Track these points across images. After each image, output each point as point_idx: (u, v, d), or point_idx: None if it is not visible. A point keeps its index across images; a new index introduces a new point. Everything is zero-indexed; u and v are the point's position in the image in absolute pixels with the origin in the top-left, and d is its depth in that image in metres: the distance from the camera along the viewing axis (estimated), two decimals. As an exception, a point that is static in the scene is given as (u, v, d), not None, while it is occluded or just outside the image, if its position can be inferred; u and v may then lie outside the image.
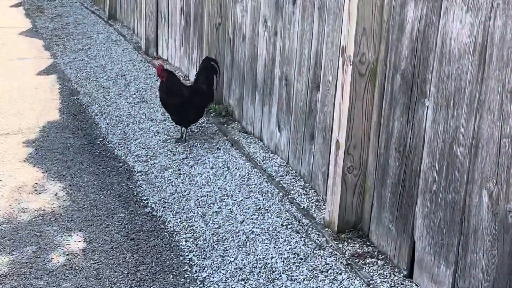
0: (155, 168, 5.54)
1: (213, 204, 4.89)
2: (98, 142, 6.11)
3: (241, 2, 6.31)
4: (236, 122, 6.56)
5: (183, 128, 6.15)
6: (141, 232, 4.50)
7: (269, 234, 4.45)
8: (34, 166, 5.53)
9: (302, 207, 4.82)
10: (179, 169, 5.52)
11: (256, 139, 6.09)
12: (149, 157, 5.76)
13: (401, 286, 3.84)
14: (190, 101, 6.02)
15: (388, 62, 4.06)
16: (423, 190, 3.75)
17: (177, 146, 6.02)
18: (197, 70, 6.40)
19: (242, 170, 5.48)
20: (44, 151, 5.82)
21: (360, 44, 4.11)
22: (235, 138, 6.15)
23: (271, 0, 5.65)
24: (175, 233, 4.48)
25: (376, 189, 4.25)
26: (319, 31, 4.89)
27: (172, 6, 8.52)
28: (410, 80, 3.84)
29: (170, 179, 5.33)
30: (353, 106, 4.20)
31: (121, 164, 5.62)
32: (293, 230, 4.51)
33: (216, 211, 4.78)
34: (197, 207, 4.84)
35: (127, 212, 4.78)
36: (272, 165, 5.52)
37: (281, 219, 4.66)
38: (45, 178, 5.30)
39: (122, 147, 5.98)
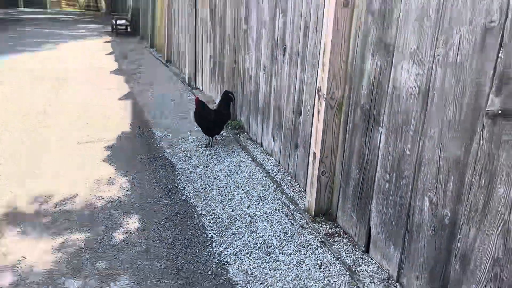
0: (190, 166, 4.85)
1: (229, 193, 4.21)
2: (154, 147, 5.43)
3: (248, 54, 5.61)
4: (245, 133, 5.86)
5: (210, 138, 5.48)
6: (178, 215, 3.81)
7: (267, 217, 3.78)
8: (109, 164, 4.85)
9: (289, 196, 4.12)
10: (207, 166, 4.84)
11: (258, 145, 5.38)
12: (187, 158, 5.08)
13: (361, 259, 3.17)
14: (214, 120, 5.35)
15: (352, 98, 3.36)
16: (377, 192, 3.07)
17: (206, 150, 5.33)
18: (220, 98, 5.69)
19: (249, 167, 4.79)
20: (117, 153, 5.14)
21: (331, 86, 3.41)
22: (244, 144, 5.46)
23: (268, 52, 4.96)
24: (202, 215, 3.80)
25: (341, 187, 3.57)
26: (301, 75, 4.19)
27: (204, 54, 7.81)
28: (368, 112, 3.14)
29: (200, 174, 4.65)
30: (326, 129, 3.51)
31: (168, 163, 4.94)
32: (283, 213, 3.83)
33: (230, 198, 4.10)
34: (218, 196, 4.15)
35: (169, 200, 4.09)
36: (269, 164, 4.83)
37: (275, 205, 3.98)
38: (116, 174, 4.62)
39: (169, 150, 5.29)
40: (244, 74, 5.80)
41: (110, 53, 12.73)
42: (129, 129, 6.07)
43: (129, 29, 17.51)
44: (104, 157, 5.02)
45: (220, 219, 3.74)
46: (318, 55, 3.74)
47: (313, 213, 3.71)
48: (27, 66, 10.24)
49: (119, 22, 17.20)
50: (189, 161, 4.98)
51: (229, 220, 3.72)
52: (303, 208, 3.87)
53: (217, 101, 6.69)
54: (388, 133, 2.93)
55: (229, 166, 4.85)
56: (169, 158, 5.06)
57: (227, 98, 5.59)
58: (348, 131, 3.43)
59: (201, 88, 8.26)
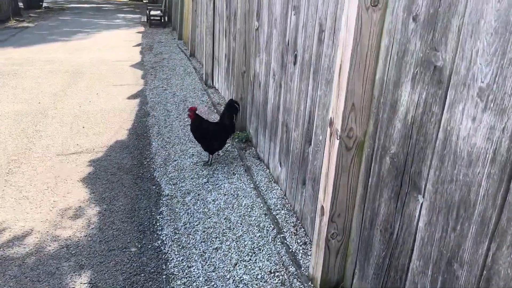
0: (180, 192, 3.74)
1: (216, 238, 3.07)
2: (145, 163, 4.34)
3: (258, 57, 4.41)
4: (253, 148, 4.68)
5: (209, 155, 4.35)
6: (142, 274, 2.71)
7: (256, 284, 2.65)
8: (86, 186, 3.81)
9: (291, 250, 2.93)
10: (199, 194, 3.72)
11: (264, 167, 4.20)
12: (178, 180, 3.97)
13: None
14: (214, 135, 4.19)
15: (377, 141, 2.12)
16: (410, 293, 1.87)
17: (203, 169, 4.21)
18: (223, 108, 4.54)
19: (248, 199, 3.64)
20: (100, 171, 4.07)
21: (348, 119, 2.19)
22: (249, 164, 4.29)
23: (278, 57, 3.74)
24: (173, 277, 2.68)
25: (359, 258, 2.36)
26: (313, 93, 2.97)
27: (221, 52, 6.64)
28: (401, 167, 1.90)
29: (188, 205, 3.53)
30: (339, 178, 2.30)
31: (154, 187, 3.86)
32: (279, 280, 2.66)
33: (216, 248, 2.96)
34: (201, 242, 3.01)
35: (138, 247, 2.99)
36: (272, 196, 3.65)
37: (270, 263, 2.81)
38: (89, 201, 3.58)
39: (161, 168, 4.20)
40: (254, 80, 4.61)
41: (138, 45, 11.72)
42: (125, 136, 5.02)
43: (163, 20, 16.48)
44: (83, 176, 3.99)
45: (195, 283, 2.64)
46: (333, 73, 2.52)
47: (318, 285, 2.54)
48: (50, 57, 9.38)
49: (153, 12, 16.15)
50: (180, 185, 3.87)
51: (206, 287, 2.61)
52: (306, 274, 2.70)
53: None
54: (433, 210, 1.71)
55: (225, 195, 3.71)
56: (158, 180, 3.98)
57: (231, 108, 4.41)
58: (370, 186, 2.21)
59: (217, 87, 7.11)
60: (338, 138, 2.22)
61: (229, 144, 4.73)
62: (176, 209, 3.47)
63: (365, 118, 2.20)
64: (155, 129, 5.25)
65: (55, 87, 6.96)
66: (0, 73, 7.73)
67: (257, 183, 3.88)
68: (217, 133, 4.20)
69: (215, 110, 5.92)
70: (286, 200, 3.56)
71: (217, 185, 3.86)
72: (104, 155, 4.46)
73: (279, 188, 3.75)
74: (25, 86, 6.95)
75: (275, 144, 3.88)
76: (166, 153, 4.54)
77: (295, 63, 3.32)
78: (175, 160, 4.38)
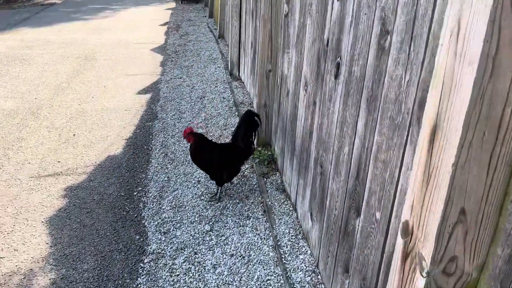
0: (171, 249, 2.67)
1: None
2: (136, 193, 3.31)
3: (287, 54, 3.22)
4: (277, 174, 3.53)
5: (218, 186, 3.26)
6: None
7: None
8: (49, 232, 2.83)
9: None
10: (196, 253, 2.64)
11: (291, 207, 3.05)
12: (173, 225, 2.91)
13: None
14: (223, 162, 3.09)
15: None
16: None
17: (208, 206, 3.12)
18: (238, 122, 3.39)
19: (263, 267, 2.51)
20: (74, 207, 3.07)
21: (450, 240, 1.03)
22: (270, 202, 3.14)
23: (312, 59, 2.54)
24: None
25: None
26: (365, 134, 1.78)
27: (247, 38, 5.44)
28: None
29: (178, 274, 2.47)
30: None
31: (138, 237, 2.82)
32: None
33: None
34: None
35: None
36: (299, 265, 2.50)
37: None
38: (45, 261, 2.58)
39: (154, 204, 3.16)
40: (281, 83, 3.43)
41: (164, 24, 10.64)
42: (121, 150, 4.01)
43: (196, -5, 15.28)
44: (52, 214, 3.02)
45: None
46: (411, 114, 1.34)
47: None
48: (66, 38, 8.50)
49: (185, -14, 15.00)
50: (173, 234, 2.82)
51: None
52: None
53: (255, 105, 4.42)
54: None
55: (232, 255, 2.62)
56: (146, 224, 2.94)
57: (249, 124, 3.26)
58: None
59: (242, 79, 5.95)
60: (424, 274, 1.06)
61: (247, 166, 3.62)
62: (160, 282, 2.42)
63: (486, 240, 1.02)
64: (160, 139, 4.20)
65: (60, 77, 6.05)
66: (8, 59, 6.92)
67: (278, 237, 2.76)
68: (227, 159, 3.08)
69: (237, 113, 4.79)
70: (319, 278, 2.42)
71: (223, 237, 2.78)
72: (86, 180, 3.47)
73: (309, 252, 2.61)
74: (28, 75, 6.08)
75: (305, 182, 2.73)
76: (165, 178, 3.49)
77: (337, 76, 2.12)
78: (175, 190, 3.32)
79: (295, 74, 2.95)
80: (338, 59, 2.10)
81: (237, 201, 3.17)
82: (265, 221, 2.92)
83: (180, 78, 6.15)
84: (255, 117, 3.29)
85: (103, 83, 5.87)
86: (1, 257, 2.59)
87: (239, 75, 6.18)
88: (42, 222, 2.94)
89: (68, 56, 7.21)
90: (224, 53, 7.49)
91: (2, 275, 2.46)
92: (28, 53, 7.30)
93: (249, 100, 5.13)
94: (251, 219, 2.94)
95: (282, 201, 3.13)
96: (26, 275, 2.46)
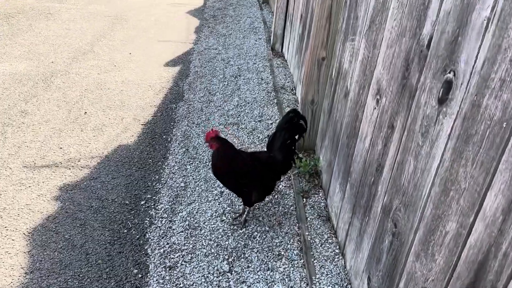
0: (176, 292, 2.07)
1: None
2: (143, 203, 2.64)
3: (352, 42, 2.39)
4: (321, 193, 2.75)
5: (244, 206, 2.56)
6: None
7: None
8: (29, 251, 2.21)
9: None
10: (206, 306, 2.01)
11: (337, 249, 2.28)
12: (182, 256, 2.24)
13: None
14: (254, 178, 2.34)
15: None
16: None
17: (230, 233, 2.42)
18: (278, 124, 2.55)
19: None
20: (65, 215, 2.43)
21: None
22: (310, 237, 2.37)
23: (395, 65, 1.74)
24: None
25: None
26: (503, 227, 1.01)
27: (296, 8, 4.56)
28: None
29: None
30: None
31: (136, 271, 2.16)
32: None
33: None
34: None
35: None
36: None
37: None
38: None
39: (163, 221, 2.47)
40: (338, 78, 2.61)
41: (206, -18, 9.75)
42: (135, 138, 3.34)
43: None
44: (38, 223, 2.40)
45: None
46: None
47: None
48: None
49: None
50: (180, 271, 2.14)
51: None
52: None
53: (298, 92, 3.63)
54: None
55: (254, 317, 1.95)
56: (149, 252, 2.28)
57: (291, 128, 2.47)
58: None
59: (285, 57, 5.11)
60: None
61: (284, 177, 2.88)
62: None
63: None
64: (182, 128, 3.50)
65: (84, 38, 5.40)
66: (33, 12, 6.31)
67: (317, 297, 2.05)
68: (259, 175, 2.35)
69: (276, 101, 4.01)
70: None
71: (244, 286, 2.09)
72: (87, 177, 2.84)
73: (359, 329, 1.90)
74: (50, 33, 5.45)
75: (363, 229, 1.97)
76: (182, 184, 2.81)
77: (443, 102, 1.31)
78: (191, 203, 2.64)
79: (361, 74, 2.14)
80: (450, 74, 1.29)
81: (267, 228, 2.46)
82: (302, 267, 2.20)
83: (215, 49, 5.37)
84: (300, 120, 2.51)
85: (130, 49, 5.18)
86: (-40, 285, 2.02)
87: (282, 50, 5.33)
88: (24, 234, 2.34)
89: (98, 14, 6.53)
90: (267, 22, 6.60)
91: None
92: (55, 7, 6.67)
93: (291, 85, 4.32)
94: (283, 260, 2.23)
95: (326, 237, 2.38)
96: (-16, 320, 1.88)
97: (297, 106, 3.77)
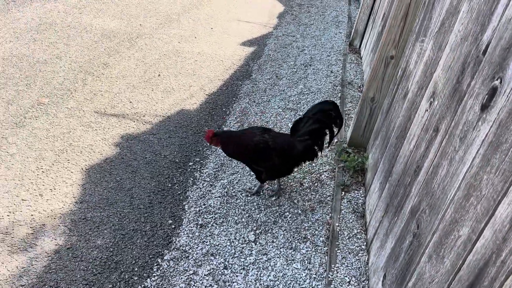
0: (201, 248, 2.13)
1: None
2: (191, 164, 2.78)
3: (421, 43, 2.34)
4: (361, 190, 2.73)
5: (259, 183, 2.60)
6: None
7: None
8: (83, 184, 2.46)
9: None
10: (225, 267, 2.07)
11: (363, 245, 2.26)
12: (214, 219, 2.35)
13: None
14: (259, 159, 2.36)
15: None
16: None
17: (263, 207, 2.49)
18: (307, 110, 2.51)
19: (298, 320, 1.93)
20: (121, 161, 2.68)
21: None
22: (339, 228, 2.37)
23: (453, 68, 1.69)
24: None
25: None
26: (509, 233, 1.00)
27: (380, 8, 4.47)
28: None
29: (194, 289, 2.00)
30: None
31: (170, 222, 2.30)
32: None
33: None
34: None
35: None
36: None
37: None
38: (62, 219, 2.21)
39: (205, 184, 2.61)
40: (401, 79, 2.57)
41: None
42: (196, 106, 3.51)
43: None
44: (95, 162, 2.67)
45: None
46: None
47: None
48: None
49: None
50: (209, 231, 2.26)
51: None
52: None
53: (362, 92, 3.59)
54: None
55: None
56: (186, 208, 2.43)
57: (323, 119, 2.44)
58: None
59: (361, 54, 5.04)
60: None
61: (328, 168, 2.90)
62: (171, 290, 1.95)
63: None
64: (242, 104, 3.63)
65: (174, 8, 5.72)
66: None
67: (333, 285, 2.08)
68: (269, 158, 2.34)
69: (340, 95, 4.00)
70: None
71: (264, 257, 2.16)
72: (147, 131, 3.07)
73: (365, 323, 1.92)
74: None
75: (390, 228, 1.96)
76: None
77: (485, 107, 1.29)
78: (233, 173, 2.76)
79: (423, 75, 2.10)
80: (496, 81, 1.26)
81: (299, 211, 2.52)
82: (324, 253, 2.24)
83: (293, 36, 5.43)
84: (329, 111, 2.44)
85: (212, 24, 5.41)
86: (23, 199, 2.33)
87: (359, 47, 5.27)
88: (82, 169, 2.62)
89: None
90: (352, 18, 6.52)
91: (12, 222, 2.19)
92: (154, -24, 7.11)
93: (360, 82, 4.28)
94: (307, 244, 2.29)
95: (355, 231, 2.40)
96: (35, 232, 2.15)
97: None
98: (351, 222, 2.46)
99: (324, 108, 2.45)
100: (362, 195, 2.69)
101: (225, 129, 3.26)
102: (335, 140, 3.20)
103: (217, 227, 2.34)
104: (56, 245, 2.10)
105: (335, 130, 2.50)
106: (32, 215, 2.23)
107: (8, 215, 2.21)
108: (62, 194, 2.41)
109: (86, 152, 2.77)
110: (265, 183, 2.66)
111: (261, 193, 2.61)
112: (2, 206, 2.26)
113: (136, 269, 2.04)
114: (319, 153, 2.52)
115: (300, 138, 2.42)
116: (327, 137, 2.51)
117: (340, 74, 4.42)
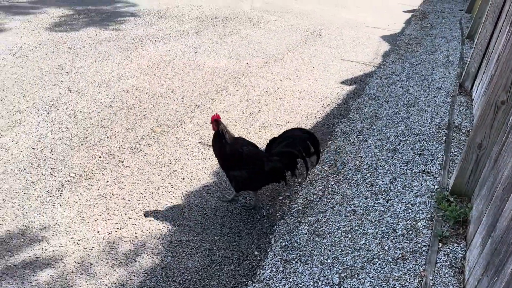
0: (283, 285, 2.19)
1: None
2: (281, 199, 2.85)
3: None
4: (462, 243, 2.47)
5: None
6: None
7: None
8: (182, 209, 2.67)
9: None
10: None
11: None
12: (299, 256, 2.34)
13: None
14: (230, 166, 2.59)
15: None
16: None
17: (354, 252, 2.41)
18: (283, 132, 2.76)
19: None
20: (217, 189, 2.84)
21: None
22: (432, 282, 2.21)
23: None
24: None
25: None
26: None
27: (496, 48, 4.16)
28: None
29: None
30: None
31: (256, 253, 2.37)
32: None
33: None
34: None
35: None
36: None
37: None
38: (161, 239, 2.42)
39: (292, 220, 2.61)
40: (513, 125, 2.36)
41: (410, 10, 9.52)
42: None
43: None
44: (194, 189, 2.85)
45: None
46: None
47: None
48: (305, 9, 8.48)
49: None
50: (293, 268, 2.26)
51: None
52: None
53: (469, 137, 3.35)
54: None
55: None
56: (272, 241, 2.45)
57: (297, 143, 2.52)
58: None
59: (472, 97, 4.70)
60: None
61: (426, 215, 2.73)
62: None
63: None
64: (338, 143, 3.61)
65: (279, 48, 6.00)
66: (245, 19, 7.30)
67: None
68: (240, 168, 2.57)
69: (445, 138, 3.76)
70: None
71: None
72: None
73: None
74: (253, 39, 6.23)
75: (490, 287, 1.78)
76: (320, 192, 2.92)
77: None
78: (322, 212, 2.75)
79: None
80: None
81: (390, 259, 2.40)
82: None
83: (397, 76, 5.30)
84: (308, 142, 2.54)
85: (314, 63, 5.54)
86: (129, 217, 2.59)
87: (471, 90, 4.93)
88: (182, 194, 2.83)
89: (297, 27, 7.14)
90: (464, 58, 6.16)
91: (118, 237, 2.43)
92: (264, 17, 7.55)
93: (469, 126, 3.99)
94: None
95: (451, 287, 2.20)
96: (136, 249, 2.37)
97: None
98: (447, 277, 2.27)
99: (301, 135, 2.55)
100: (462, 249, 2.47)
101: (316, 166, 3.27)
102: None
103: (302, 264, 2.33)
104: (153, 263, 2.28)
105: (308, 160, 2.62)
106: (135, 233, 2.47)
107: (115, 231, 2.48)
108: (162, 216, 2.63)
109: (187, 179, 2.99)
110: (239, 193, 2.84)
111: (237, 201, 2.80)
112: (112, 223, 2.54)
113: None
114: (291, 178, 2.68)
115: (271, 157, 2.57)
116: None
117: (446, 117, 4.18)
